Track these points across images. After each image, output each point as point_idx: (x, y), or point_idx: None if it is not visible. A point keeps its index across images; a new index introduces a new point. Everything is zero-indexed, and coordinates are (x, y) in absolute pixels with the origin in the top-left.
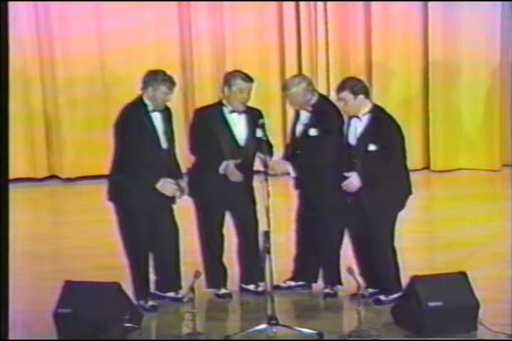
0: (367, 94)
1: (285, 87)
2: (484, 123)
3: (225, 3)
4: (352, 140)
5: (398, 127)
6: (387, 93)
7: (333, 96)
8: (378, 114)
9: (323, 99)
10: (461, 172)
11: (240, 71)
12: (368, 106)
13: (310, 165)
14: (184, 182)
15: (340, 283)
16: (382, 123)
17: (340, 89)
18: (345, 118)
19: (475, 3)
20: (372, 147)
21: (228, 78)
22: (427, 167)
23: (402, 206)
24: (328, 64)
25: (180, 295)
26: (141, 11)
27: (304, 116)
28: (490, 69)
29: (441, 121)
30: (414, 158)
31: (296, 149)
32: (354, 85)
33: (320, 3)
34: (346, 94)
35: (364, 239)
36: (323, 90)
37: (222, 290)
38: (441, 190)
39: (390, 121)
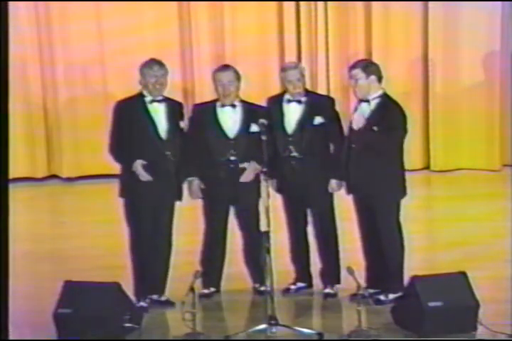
0: (379, 78)
1: (350, 68)
2: (484, 123)
3: (225, 3)
4: (356, 125)
5: (403, 113)
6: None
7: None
8: (387, 100)
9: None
10: (461, 172)
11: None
12: (379, 92)
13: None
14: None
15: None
16: (389, 107)
17: (353, 67)
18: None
19: (475, 3)
20: (375, 128)
21: (212, 74)
22: (427, 167)
23: (404, 192)
24: (328, 64)
25: (163, 298)
26: (141, 11)
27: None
28: (490, 70)
29: (441, 121)
30: (414, 158)
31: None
32: (367, 65)
33: (320, 3)
34: (358, 72)
35: (371, 229)
36: (322, 90)
37: (207, 290)
38: (441, 190)
39: (397, 107)
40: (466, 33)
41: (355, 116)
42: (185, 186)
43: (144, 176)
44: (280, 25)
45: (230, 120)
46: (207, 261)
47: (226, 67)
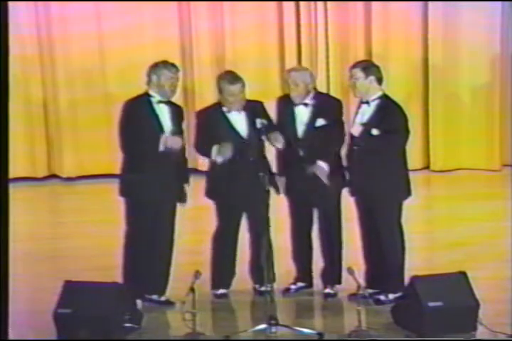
0: (379, 79)
1: (350, 68)
2: (484, 123)
3: (225, 3)
4: (356, 127)
5: (404, 115)
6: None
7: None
8: (387, 102)
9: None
10: (461, 172)
11: (228, 73)
12: (379, 93)
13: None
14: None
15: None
16: (389, 108)
17: (353, 66)
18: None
19: (475, 3)
20: (375, 131)
21: (218, 82)
22: (427, 167)
23: (408, 193)
24: (328, 64)
25: (163, 298)
26: (141, 11)
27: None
28: (490, 69)
29: (441, 121)
30: (414, 158)
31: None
32: (367, 66)
33: (320, 3)
34: (357, 71)
35: (372, 230)
36: (322, 91)
37: (221, 291)
38: (441, 190)
39: (397, 108)
40: (466, 34)
41: (356, 118)
42: (187, 188)
43: (177, 139)
44: (280, 25)
45: (240, 121)
46: (218, 263)
47: (235, 78)
